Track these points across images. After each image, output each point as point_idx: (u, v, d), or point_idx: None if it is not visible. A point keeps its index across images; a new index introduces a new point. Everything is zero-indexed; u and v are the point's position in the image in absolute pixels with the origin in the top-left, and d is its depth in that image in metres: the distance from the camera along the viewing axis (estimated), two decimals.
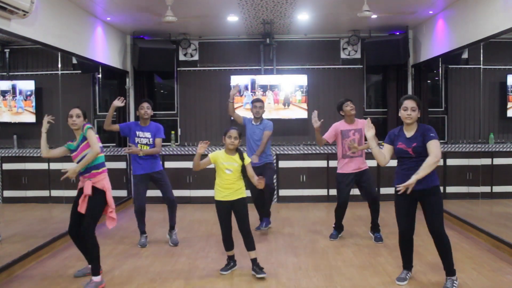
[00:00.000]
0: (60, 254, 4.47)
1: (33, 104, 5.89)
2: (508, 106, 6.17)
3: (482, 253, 4.28)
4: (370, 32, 7.07)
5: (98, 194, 3.57)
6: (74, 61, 6.13)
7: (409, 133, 3.42)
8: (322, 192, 7.00)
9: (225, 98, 6.54)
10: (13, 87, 5.89)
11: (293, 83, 7.17)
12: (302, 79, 7.18)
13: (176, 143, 7.39)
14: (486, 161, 6.09)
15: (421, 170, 3.21)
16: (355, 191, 5.47)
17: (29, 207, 5.84)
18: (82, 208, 3.55)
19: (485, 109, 6.09)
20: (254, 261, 3.83)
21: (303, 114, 7.17)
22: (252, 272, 3.83)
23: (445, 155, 6.52)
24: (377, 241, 4.72)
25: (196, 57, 7.47)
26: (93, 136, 3.55)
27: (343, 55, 7.42)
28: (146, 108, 4.67)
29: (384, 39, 6.89)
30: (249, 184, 4.13)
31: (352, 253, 4.38)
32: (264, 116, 5.33)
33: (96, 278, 3.52)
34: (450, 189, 6.41)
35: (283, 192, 6.97)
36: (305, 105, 7.17)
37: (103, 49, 6.24)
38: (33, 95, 5.91)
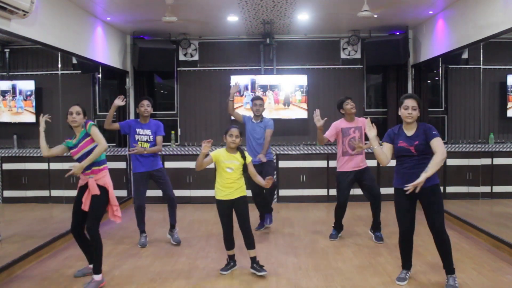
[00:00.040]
0: (60, 254, 4.47)
1: (33, 104, 5.90)
2: (508, 106, 6.17)
3: (482, 253, 4.28)
4: (370, 32, 7.08)
5: (100, 191, 3.58)
6: (74, 61, 6.13)
7: (409, 131, 3.42)
8: (322, 192, 7.00)
9: (225, 98, 6.54)
10: (13, 87, 5.89)
11: (293, 83, 7.17)
12: (302, 79, 7.18)
13: (176, 143, 7.39)
14: (486, 161, 6.09)
15: (429, 168, 3.21)
16: (355, 191, 5.47)
17: (29, 207, 5.84)
18: (85, 206, 3.56)
19: (485, 109, 6.09)
20: (253, 259, 3.85)
21: (303, 114, 7.18)
22: (251, 270, 3.84)
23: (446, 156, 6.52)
24: (377, 241, 4.72)
25: (196, 57, 7.47)
26: (98, 132, 3.61)
27: (343, 55, 7.42)
28: (146, 106, 4.68)
29: (384, 39, 6.89)
30: (249, 184, 4.13)
31: (352, 253, 4.38)
32: (264, 115, 5.34)
33: (97, 277, 3.53)
34: (450, 189, 6.40)
35: (283, 192, 6.97)
36: (305, 105, 7.17)
37: (103, 49, 6.24)
38: (33, 95, 5.91)
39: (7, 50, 5.75)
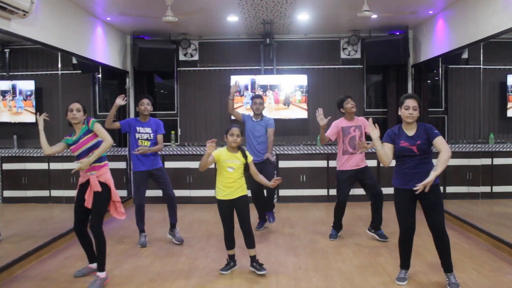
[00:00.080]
0: (60, 254, 4.47)
1: (33, 104, 5.90)
2: (508, 106, 6.17)
3: (482, 253, 4.28)
4: (370, 32, 7.08)
5: (102, 188, 3.59)
6: (74, 61, 6.13)
7: (410, 131, 3.42)
8: (322, 192, 7.00)
9: (225, 98, 6.54)
10: (13, 87, 5.89)
11: (293, 83, 7.17)
12: (302, 79, 7.18)
13: (176, 143, 7.39)
14: (486, 161, 6.09)
15: (438, 166, 3.22)
16: (355, 191, 5.48)
17: (29, 207, 5.85)
18: (89, 203, 3.57)
19: (485, 109, 6.09)
20: (253, 258, 3.87)
21: (303, 114, 7.18)
22: (251, 269, 3.86)
23: None
24: (382, 238, 4.74)
25: (196, 57, 7.47)
26: (102, 128, 3.66)
27: (343, 55, 7.42)
28: (146, 104, 4.69)
29: (384, 39, 6.89)
30: (249, 184, 4.14)
31: (352, 253, 4.38)
32: (264, 115, 5.34)
33: (102, 274, 3.57)
34: (450, 189, 6.40)
35: (283, 192, 6.97)
36: (305, 105, 7.17)
37: (103, 49, 6.24)
38: (33, 95, 5.91)
39: (7, 50, 5.75)
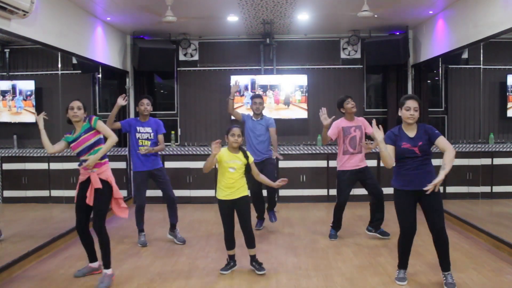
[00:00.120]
0: (60, 254, 4.47)
1: (33, 104, 5.89)
2: (508, 106, 6.17)
3: (482, 253, 4.28)
4: (370, 32, 7.07)
5: (103, 186, 3.60)
6: (74, 61, 6.13)
7: (410, 132, 3.42)
8: (322, 192, 7.00)
9: (225, 98, 6.54)
10: (13, 87, 5.89)
11: (293, 83, 7.17)
12: (302, 79, 7.18)
13: (176, 143, 7.39)
14: (486, 161, 6.09)
15: (446, 165, 3.21)
16: (355, 191, 5.48)
17: (29, 207, 5.85)
18: (90, 200, 3.58)
19: (485, 109, 6.09)
20: (253, 257, 3.89)
21: (303, 114, 7.18)
22: (251, 267, 3.87)
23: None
24: (384, 236, 4.77)
25: (196, 57, 7.47)
26: (105, 126, 3.71)
27: (343, 55, 7.42)
28: (146, 105, 4.70)
29: (384, 39, 6.88)
30: (249, 184, 4.13)
31: (352, 253, 4.38)
32: (264, 115, 5.34)
33: (109, 271, 3.61)
34: (450, 189, 6.40)
35: (283, 192, 6.97)
36: (305, 105, 7.17)
37: (103, 49, 6.24)
38: (33, 95, 5.91)
39: (7, 50, 5.75)
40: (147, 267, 4.06)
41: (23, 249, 4.14)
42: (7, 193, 5.79)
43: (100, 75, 6.98)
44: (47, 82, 5.88)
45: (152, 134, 4.72)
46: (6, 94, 5.85)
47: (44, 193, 5.96)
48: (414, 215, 3.44)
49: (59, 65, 5.09)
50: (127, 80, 7.18)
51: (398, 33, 6.90)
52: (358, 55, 7.38)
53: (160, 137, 4.78)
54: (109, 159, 3.74)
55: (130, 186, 6.81)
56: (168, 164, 6.91)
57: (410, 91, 7.14)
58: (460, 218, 5.31)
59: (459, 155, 6.41)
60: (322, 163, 6.98)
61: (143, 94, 7.16)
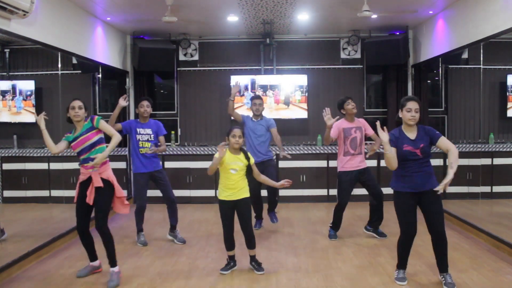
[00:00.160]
0: (60, 254, 4.47)
1: (33, 104, 5.89)
2: (508, 106, 6.17)
3: (482, 253, 4.28)
4: (370, 32, 7.07)
5: (104, 185, 3.60)
6: (74, 61, 6.13)
7: (411, 134, 3.41)
8: (322, 192, 7.00)
9: (225, 98, 6.53)
10: (13, 87, 5.89)
11: (293, 83, 7.17)
12: (302, 79, 7.19)
13: (176, 143, 7.39)
14: (486, 161, 6.09)
15: (453, 164, 3.22)
16: (355, 191, 5.46)
17: (29, 207, 5.84)
18: (90, 199, 3.57)
19: (485, 109, 6.09)
20: (253, 257, 3.90)
21: (303, 114, 7.18)
22: (250, 267, 3.88)
23: (445, 155, 6.48)
24: (381, 236, 4.81)
25: (196, 57, 7.47)
26: (108, 125, 3.74)
27: (343, 55, 7.42)
28: (146, 107, 4.70)
29: (384, 39, 6.89)
30: (249, 185, 4.13)
31: (352, 253, 4.38)
32: (264, 115, 5.35)
33: (116, 269, 3.64)
34: (450, 189, 6.27)
35: (283, 192, 6.96)
36: (305, 105, 7.17)
37: (103, 49, 6.24)
38: (33, 95, 5.91)
39: (7, 50, 5.75)
40: (147, 267, 4.05)
41: (23, 249, 4.13)
42: (7, 193, 5.79)
43: (100, 75, 6.99)
44: (47, 82, 5.88)
45: (152, 135, 4.73)
46: (6, 94, 5.85)
47: (44, 193, 5.96)
48: (415, 216, 3.44)
49: (59, 65, 5.09)
50: (127, 80, 7.18)
51: (398, 33, 6.90)
52: (358, 55, 7.38)
53: (161, 138, 4.80)
54: (109, 159, 3.74)
55: (130, 186, 6.80)
56: (168, 164, 6.92)
57: (410, 91, 7.14)
58: (460, 218, 5.31)
59: (459, 155, 6.45)
60: (322, 163, 6.98)
61: (143, 94, 7.18)
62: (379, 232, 4.87)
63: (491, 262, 4.01)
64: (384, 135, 3.36)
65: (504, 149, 6.26)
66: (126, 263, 4.14)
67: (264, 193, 5.28)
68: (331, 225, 4.93)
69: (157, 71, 7.51)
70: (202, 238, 4.99)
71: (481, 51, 5.04)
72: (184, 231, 5.19)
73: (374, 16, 5.96)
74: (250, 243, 3.84)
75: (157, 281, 3.70)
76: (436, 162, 6.43)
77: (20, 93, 5.89)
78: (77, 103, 3.64)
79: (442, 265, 3.43)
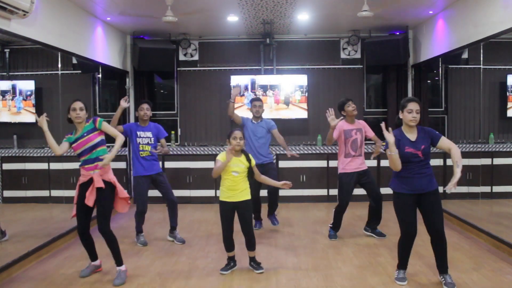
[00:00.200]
0: (60, 254, 4.47)
1: (33, 104, 5.89)
2: (508, 106, 6.17)
3: (482, 253, 4.28)
4: (370, 32, 7.07)
5: (106, 187, 3.60)
6: (74, 61, 6.13)
7: (411, 136, 3.40)
8: (322, 192, 7.00)
9: (225, 98, 6.54)
10: (13, 87, 5.89)
11: (293, 83, 7.17)
12: (302, 79, 7.19)
13: (176, 143, 7.39)
14: (486, 161, 6.09)
15: (459, 162, 3.24)
16: (355, 191, 5.47)
17: (29, 207, 5.84)
18: (89, 200, 3.56)
19: (485, 109, 6.08)
20: (252, 258, 3.90)
21: (303, 114, 7.18)
22: (249, 267, 3.89)
23: (444, 156, 6.53)
24: (380, 236, 4.82)
25: (196, 57, 7.47)
26: (110, 126, 3.77)
27: (343, 55, 7.42)
28: (146, 110, 4.71)
29: (384, 39, 6.88)
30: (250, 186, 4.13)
31: (352, 253, 4.38)
32: (264, 115, 5.36)
33: (122, 267, 3.67)
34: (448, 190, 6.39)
35: (283, 192, 6.92)
36: (305, 105, 7.17)
37: (103, 49, 6.24)
38: (33, 95, 5.91)
39: (7, 50, 5.74)
40: (147, 267, 4.06)
41: (23, 249, 4.14)
42: (7, 193, 5.79)
43: (100, 75, 6.99)
44: (47, 82, 5.88)
45: (152, 139, 4.73)
46: (6, 94, 5.85)
47: (44, 193, 5.96)
48: (415, 217, 3.44)
49: (59, 65, 5.09)
50: (127, 80, 7.18)
51: (398, 33, 6.90)
52: (358, 55, 7.38)
53: (163, 141, 4.81)
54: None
55: (130, 186, 6.80)
56: (168, 164, 6.92)
57: (410, 91, 7.14)
58: (460, 218, 5.31)
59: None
60: (322, 163, 6.98)
61: (143, 94, 7.19)
62: (378, 232, 4.88)
63: (491, 262, 4.01)
64: (390, 136, 3.34)
65: (504, 149, 6.26)
66: (126, 263, 4.11)
67: (263, 192, 5.28)
68: (331, 225, 4.93)
69: (157, 71, 7.51)
70: (202, 238, 4.99)
71: (481, 51, 5.04)
72: (184, 231, 5.19)
73: (374, 16, 5.95)
74: (251, 244, 3.84)
75: (157, 281, 3.70)
76: (436, 162, 6.47)
77: (20, 93, 5.89)
78: (78, 105, 3.64)
79: (442, 265, 3.43)
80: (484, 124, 6.22)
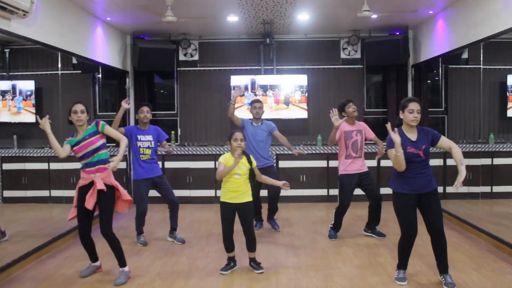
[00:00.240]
0: (60, 254, 4.47)
1: (33, 104, 5.89)
2: (508, 106, 6.17)
3: (482, 253, 4.28)
4: (370, 32, 7.07)
5: (108, 190, 3.60)
6: (74, 61, 6.12)
7: (412, 136, 3.40)
8: (322, 192, 7.00)
9: (225, 98, 6.54)
10: (13, 87, 5.89)
11: (293, 83, 7.17)
12: (302, 79, 7.19)
13: (176, 143, 7.39)
14: (486, 161, 6.08)
15: (462, 160, 3.24)
16: (355, 191, 5.48)
17: (29, 207, 5.84)
18: (89, 203, 3.55)
19: (485, 109, 6.08)
20: (252, 259, 3.90)
21: (303, 114, 7.18)
22: (249, 267, 3.89)
23: (445, 155, 6.53)
24: (380, 236, 4.83)
25: (196, 57, 7.47)
26: (113, 129, 3.79)
27: (343, 55, 7.42)
28: (146, 112, 4.71)
29: (384, 39, 6.89)
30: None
31: (352, 253, 4.38)
32: (264, 116, 5.35)
33: (126, 268, 3.69)
34: (450, 189, 6.40)
35: (283, 192, 6.86)
36: (304, 105, 7.17)
37: (103, 49, 6.24)
38: (33, 95, 5.91)
39: (7, 50, 5.74)
40: (147, 267, 4.06)
41: (23, 249, 4.14)
42: (7, 193, 5.78)
43: (100, 75, 6.98)
44: (47, 82, 5.88)
45: (152, 142, 4.73)
46: (6, 94, 5.85)
47: (44, 193, 5.96)
48: (415, 217, 3.44)
49: (59, 65, 5.09)
50: (127, 80, 7.18)
51: (398, 33, 6.91)
52: (358, 55, 7.38)
53: (165, 143, 4.83)
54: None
55: (130, 187, 6.80)
56: (168, 164, 6.92)
57: (410, 91, 7.14)
58: (460, 218, 5.31)
59: None
60: (322, 163, 6.98)
61: (143, 94, 7.19)
62: (378, 232, 4.89)
63: (491, 262, 4.01)
64: (397, 137, 3.31)
65: (504, 149, 6.26)
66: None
67: (263, 192, 5.28)
68: (331, 225, 4.93)
69: (157, 71, 7.52)
70: (202, 238, 4.99)
71: (481, 51, 5.04)
72: (184, 231, 5.19)
73: (374, 16, 5.96)
74: (251, 245, 3.84)
75: (157, 281, 3.70)
76: (436, 162, 6.47)
77: (20, 93, 5.89)
78: (79, 107, 3.62)
79: (442, 265, 3.43)
80: (484, 124, 6.22)
